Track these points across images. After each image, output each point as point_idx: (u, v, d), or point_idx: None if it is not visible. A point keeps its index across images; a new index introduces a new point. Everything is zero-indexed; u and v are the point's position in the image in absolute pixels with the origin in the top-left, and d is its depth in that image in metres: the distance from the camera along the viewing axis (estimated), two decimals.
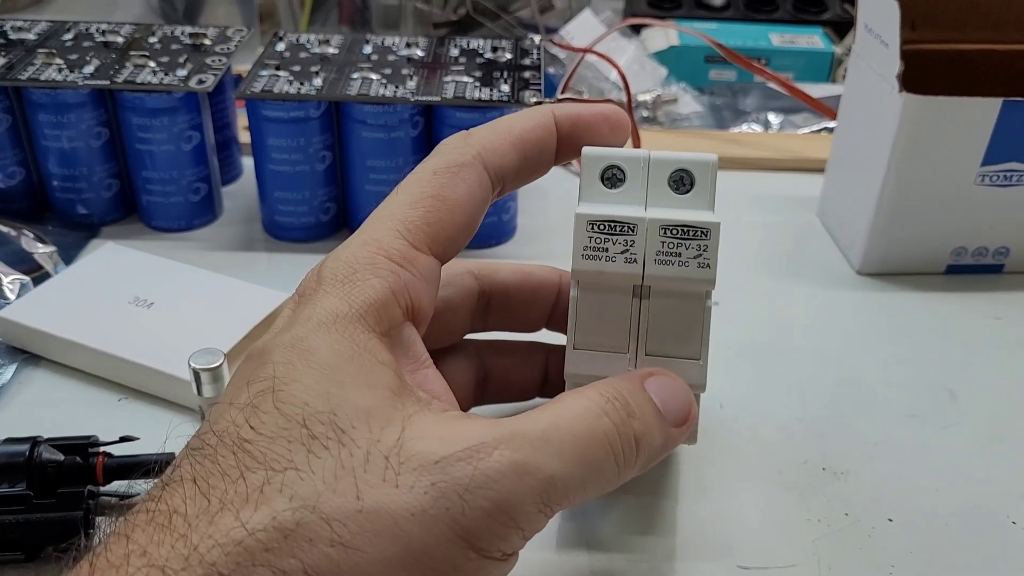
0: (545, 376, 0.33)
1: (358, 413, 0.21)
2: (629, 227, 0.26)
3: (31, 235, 0.44)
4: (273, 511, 0.20)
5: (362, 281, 0.24)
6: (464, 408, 0.31)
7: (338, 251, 0.25)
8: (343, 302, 0.23)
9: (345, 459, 0.21)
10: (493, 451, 0.21)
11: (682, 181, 0.27)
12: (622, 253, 0.26)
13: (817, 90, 0.60)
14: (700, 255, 0.26)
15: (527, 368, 0.33)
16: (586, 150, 0.27)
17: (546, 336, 0.33)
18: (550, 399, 0.24)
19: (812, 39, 0.70)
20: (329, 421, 0.21)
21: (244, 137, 0.52)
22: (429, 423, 0.22)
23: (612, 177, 0.27)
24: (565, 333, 0.32)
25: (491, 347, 0.32)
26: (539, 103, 0.43)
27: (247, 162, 0.53)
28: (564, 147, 0.28)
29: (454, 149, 0.26)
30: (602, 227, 0.26)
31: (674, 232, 0.26)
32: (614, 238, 0.26)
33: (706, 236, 0.26)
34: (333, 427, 0.21)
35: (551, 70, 0.65)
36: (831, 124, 0.59)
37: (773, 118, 0.62)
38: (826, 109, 0.56)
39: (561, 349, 0.32)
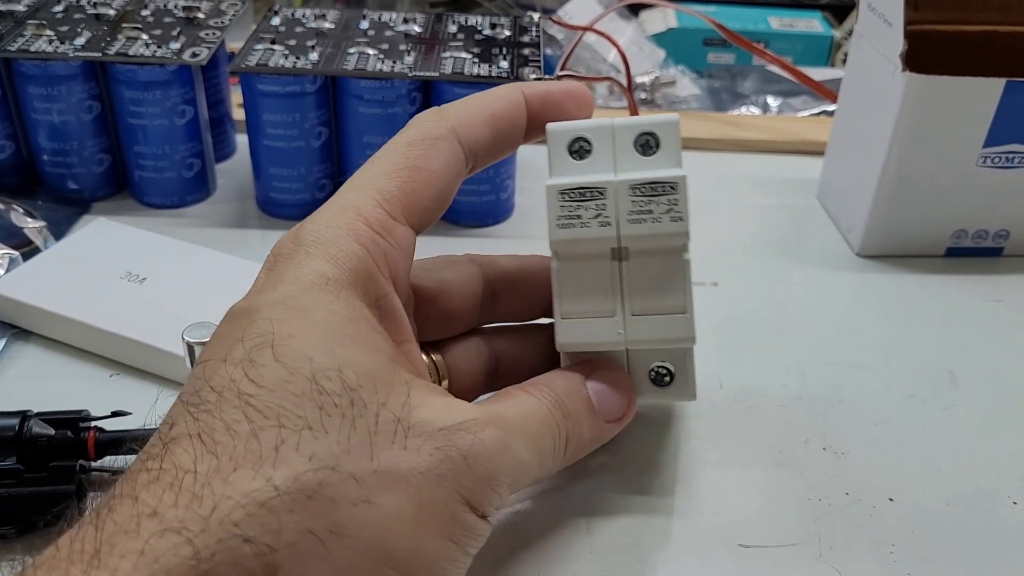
0: (556, 358, 0.32)
1: (365, 374, 0.22)
2: (599, 191, 0.26)
3: (21, 210, 0.44)
4: (294, 472, 0.20)
5: (346, 247, 0.24)
6: (475, 394, 0.31)
7: (316, 215, 0.25)
8: (330, 265, 0.23)
9: (358, 420, 0.21)
10: (485, 427, 0.23)
11: (648, 144, 0.27)
12: (595, 217, 0.26)
13: (816, 74, 0.60)
14: (671, 209, 0.26)
15: (537, 352, 0.32)
16: (550, 126, 0.28)
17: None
18: (511, 387, 0.26)
19: (811, 23, 0.69)
20: (338, 378, 0.21)
21: (238, 114, 0.52)
22: (427, 394, 0.23)
23: (579, 149, 0.28)
24: None
25: (499, 333, 0.32)
26: (539, 79, 0.42)
27: (241, 139, 0.52)
28: (533, 125, 0.28)
29: (428, 123, 0.27)
30: (572, 195, 0.26)
31: (643, 190, 0.26)
32: (585, 204, 0.26)
33: (674, 189, 0.26)
34: (342, 384, 0.21)
35: (548, 51, 0.64)
36: (830, 107, 0.59)
37: (772, 101, 0.61)
38: (826, 91, 0.56)
39: None
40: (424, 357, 0.28)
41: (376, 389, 0.22)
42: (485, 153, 0.28)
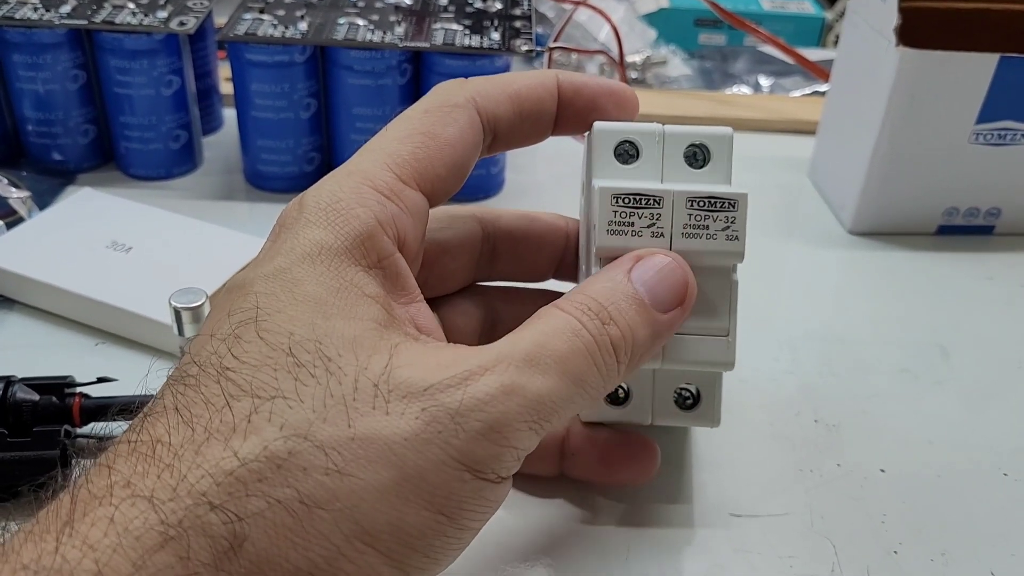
0: None
1: (344, 342, 0.21)
2: (655, 200, 0.25)
3: (5, 180, 0.43)
4: (264, 440, 0.19)
5: (347, 211, 0.23)
6: None
7: (322, 181, 0.24)
8: (328, 233, 0.23)
9: (334, 387, 0.20)
10: (481, 376, 0.21)
11: (696, 156, 0.26)
12: (648, 227, 0.25)
13: (808, 55, 0.59)
14: (728, 227, 0.25)
15: None
16: (597, 124, 0.26)
17: (557, 285, 0.32)
18: (544, 307, 0.23)
19: (802, 4, 0.69)
20: (315, 349, 0.21)
21: (226, 88, 0.51)
22: (416, 352, 0.22)
23: (624, 153, 0.26)
24: (573, 281, 0.31)
25: (500, 293, 0.31)
26: (530, 51, 0.42)
27: (228, 114, 0.51)
28: (565, 114, 0.27)
29: (448, 91, 0.26)
30: (627, 201, 0.25)
31: (701, 204, 0.25)
32: (640, 212, 0.25)
33: (734, 208, 0.25)
34: (319, 355, 0.21)
35: (539, 30, 0.64)
36: (822, 87, 0.58)
37: (764, 81, 0.61)
38: (819, 70, 0.56)
39: None
40: None
41: (357, 357, 0.21)
42: (507, 131, 0.26)
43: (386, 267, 0.23)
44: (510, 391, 0.21)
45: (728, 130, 0.26)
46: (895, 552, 0.28)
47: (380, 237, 0.23)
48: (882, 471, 0.31)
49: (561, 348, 0.22)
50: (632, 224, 0.25)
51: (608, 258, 0.25)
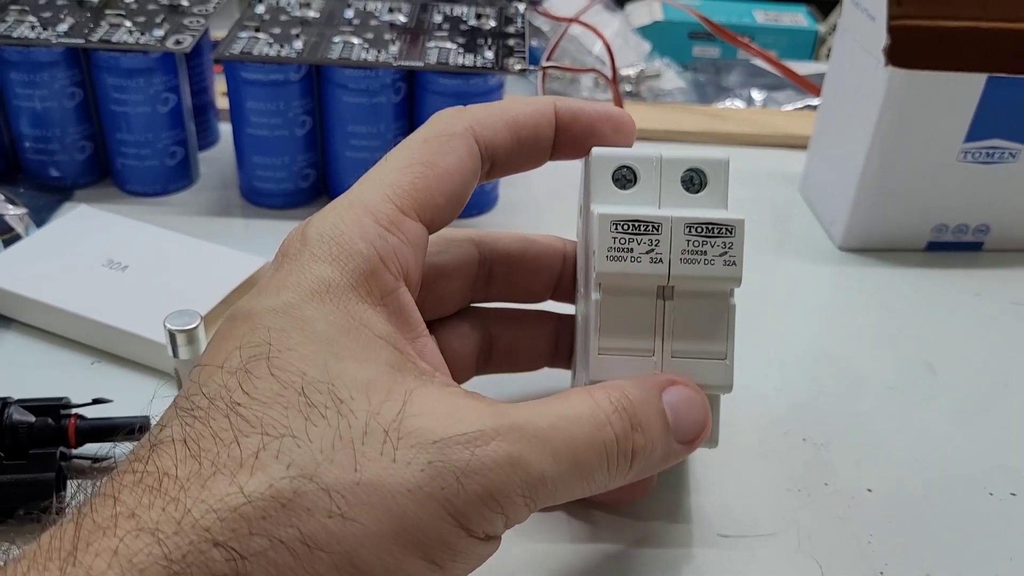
0: (555, 346, 0.32)
1: (357, 385, 0.21)
2: (654, 226, 0.25)
3: (2, 197, 0.43)
4: (270, 478, 0.20)
5: (350, 245, 0.23)
6: (467, 376, 0.31)
7: (324, 212, 0.24)
8: (334, 269, 0.23)
9: (343, 430, 0.21)
10: (491, 440, 0.21)
11: (693, 181, 0.27)
12: (647, 253, 0.25)
13: (801, 68, 0.60)
14: (726, 252, 0.25)
15: (535, 338, 0.32)
16: (595, 150, 0.27)
17: (555, 306, 0.32)
18: (574, 388, 0.24)
19: (796, 17, 0.69)
20: (328, 391, 0.21)
21: (222, 103, 0.52)
22: (430, 400, 0.22)
23: (622, 178, 0.27)
24: (571, 303, 0.32)
25: (496, 315, 0.32)
26: (523, 70, 0.42)
27: (224, 128, 0.52)
28: (562, 140, 0.27)
29: (446, 120, 0.26)
30: (626, 227, 0.25)
31: (699, 230, 0.25)
32: (639, 238, 0.25)
33: (731, 233, 0.25)
34: (332, 396, 0.21)
35: (534, 43, 0.64)
36: (814, 101, 0.59)
37: (756, 95, 0.62)
38: (810, 85, 0.56)
39: (571, 318, 0.32)
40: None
41: (369, 400, 0.21)
42: (505, 158, 0.27)
43: (390, 303, 0.24)
44: (516, 463, 0.21)
45: (725, 155, 0.27)
46: (881, 573, 0.28)
47: (383, 273, 0.23)
48: (869, 490, 0.31)
49: (579, 437, 0.23)
50: (631, 250, 0.25)
51: (608, 285, 0.26)
